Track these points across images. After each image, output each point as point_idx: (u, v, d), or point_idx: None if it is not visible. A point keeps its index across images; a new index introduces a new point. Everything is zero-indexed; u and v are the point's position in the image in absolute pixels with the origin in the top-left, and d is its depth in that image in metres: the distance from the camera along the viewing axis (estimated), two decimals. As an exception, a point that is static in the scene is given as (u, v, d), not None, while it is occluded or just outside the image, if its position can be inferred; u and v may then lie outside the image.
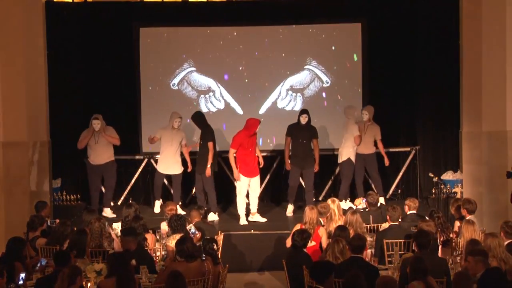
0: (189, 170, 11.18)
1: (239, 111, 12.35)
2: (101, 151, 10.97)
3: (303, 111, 11.10)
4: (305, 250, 7.69)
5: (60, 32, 11.82)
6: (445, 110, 12.13)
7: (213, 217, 10.75)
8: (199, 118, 10.95)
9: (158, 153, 11.82)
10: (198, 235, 8.24)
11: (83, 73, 12.07)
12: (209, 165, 10.76)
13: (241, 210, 10.66)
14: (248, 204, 10.82)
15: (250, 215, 10.79)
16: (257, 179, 10.71)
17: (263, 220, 10.77)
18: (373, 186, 11.49)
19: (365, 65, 12.25)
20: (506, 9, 10.72)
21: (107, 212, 11.00)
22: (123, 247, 7.76)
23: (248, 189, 10.70)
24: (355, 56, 12.24)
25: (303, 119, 10.95)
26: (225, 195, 12.26)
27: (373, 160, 11.40)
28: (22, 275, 6.82)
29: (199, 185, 11.01)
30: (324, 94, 12.39)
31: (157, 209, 11.21)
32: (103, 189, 11.35)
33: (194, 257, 7.01)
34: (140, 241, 7.98)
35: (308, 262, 7.33)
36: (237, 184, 10.71)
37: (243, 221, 10.63)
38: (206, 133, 10.85)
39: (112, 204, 11.34)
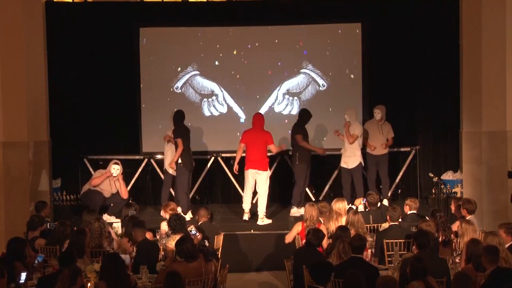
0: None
1: (239, 114, 12.35)
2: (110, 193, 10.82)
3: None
4: (318, 249, 7.70)
5: (60, 32, 11.82)
6: (445, 110, 12.13)
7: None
8: (179, 116, 10.87)
9: (158, 153, 11.86)
10: (199, 236, 8.23)
11: (83, 73, 12.06)
12: (175, 160, 10.76)
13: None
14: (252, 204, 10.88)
15: (246, 214, 10.80)
16: None
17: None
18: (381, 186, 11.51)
19: (365, 65, 12.25)
20: (506, 9, 10.72)
21: (112, 219, 10.45)
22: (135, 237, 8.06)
23: (246, 190, 10.76)
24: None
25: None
26: (225, 195, 12.29)
27: (385, 161, 11.42)
28: (23, 274, 6.81)
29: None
30: (324, 94, 12.37)
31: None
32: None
33: (194, 257, 7.01)
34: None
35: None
36: (266, 179, 10.63)
37: (266, 221, 10.66)
38: (176, 130, 10.80)
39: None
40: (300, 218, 9.68)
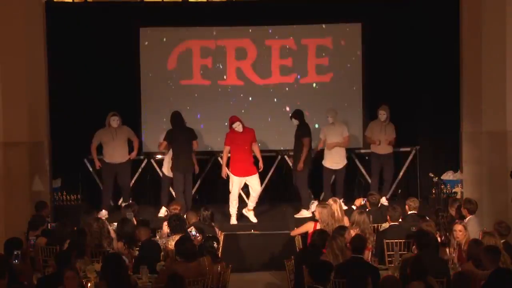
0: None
1: (238, 111, 12.34)
2: (118, 149, 10.96)
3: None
4: (322, 250, 7.70)
5: (60, 32, 11.82)
6: (445, 110, 12.13)
7: None
8: (171, 118, 10.95)
9: (158, 153, 11.89)
10: (199, 237, 8.22)
11: (83, 73, 12.06)
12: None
13: (232, 210, 10.69)
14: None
15: (245, 209, 10.80)
16: (254, 178, 10.69)
17: (254, 220, 10.75)
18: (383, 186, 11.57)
19: (365, 65, 12.25)
20: (506, 9, 10.72)
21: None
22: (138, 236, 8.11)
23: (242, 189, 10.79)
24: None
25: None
26: (225, 195, 12.27)
27: (390, 162, 11.48)
28: (18, 251, 6.78)
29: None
30: (323, 94, 12.37)
31: None
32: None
33: (194, 257, 7.01)
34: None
35: None
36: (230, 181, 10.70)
37: (233, 220, 10.66)
38: (166, 133, 10.90)
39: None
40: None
